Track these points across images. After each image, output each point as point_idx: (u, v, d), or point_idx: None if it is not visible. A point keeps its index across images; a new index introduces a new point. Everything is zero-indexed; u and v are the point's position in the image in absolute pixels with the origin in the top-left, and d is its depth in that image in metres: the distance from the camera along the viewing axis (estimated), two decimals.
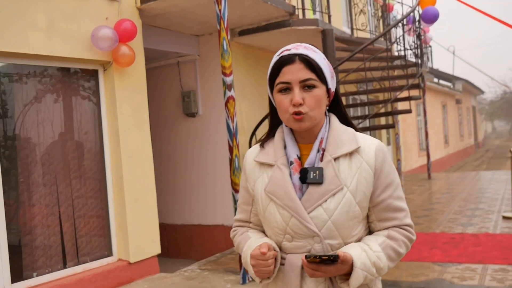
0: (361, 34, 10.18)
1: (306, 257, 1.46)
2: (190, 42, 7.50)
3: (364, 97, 9.43)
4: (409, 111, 6.93)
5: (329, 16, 7.82)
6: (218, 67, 7.47)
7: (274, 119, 1.72)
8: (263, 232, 1.76)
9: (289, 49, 1.59)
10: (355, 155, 1.59)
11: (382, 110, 8.85)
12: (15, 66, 4.97)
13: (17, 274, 4.80)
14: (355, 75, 8.74)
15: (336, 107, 1.71)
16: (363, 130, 7.50)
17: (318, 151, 1.59)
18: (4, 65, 4.89)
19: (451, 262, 5.50)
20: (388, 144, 16.34)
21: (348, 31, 11.08)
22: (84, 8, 5.29)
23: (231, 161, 5.18)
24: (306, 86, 1.56)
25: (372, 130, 7.12)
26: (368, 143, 1.62)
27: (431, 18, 7.08)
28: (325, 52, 7.18)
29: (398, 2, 7.90)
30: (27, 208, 5.02)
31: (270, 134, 1.73)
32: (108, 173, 5.67)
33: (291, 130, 1.66)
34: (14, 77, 5.00)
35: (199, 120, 7.69)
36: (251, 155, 1.75)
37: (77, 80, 5.52)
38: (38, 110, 5.16)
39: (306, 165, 1.59)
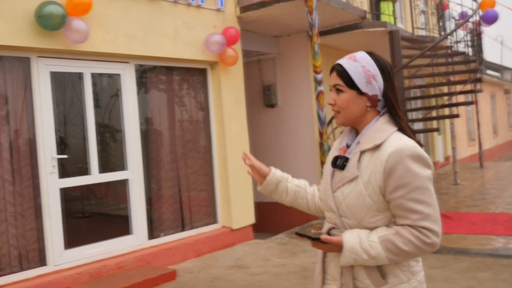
0: (417, 32, 11.01)
1: (296, 233, 1.78)
2: (271, 43, 8.58)
3: (423, 90, 10.25)
4: (471, 103, 7.80)
5: (395, 18, 8.74)
6: (295, 64, 8.54)
7: None
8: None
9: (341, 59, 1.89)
10: (377, 153, 1.75)
11: (432, 105, 9.70)
12: (151, 66, 6.18)
13: (150, 234, 6.03)
14: (410, 70, 9.61)
15: (390, 109, 1.84)
16: (428, 120, 8.39)
17: (358, 143, 1.85)
18: (143, 65, 6.09)
19: None
20: (439, 134, 16.99)
21: (402, 27, 11.91)
22: (199, 19, 6.43)
23: (321, 144, 6.25)
24: (337, 90, 1.85)
25: (438, 119, 8.00)
26: (390, 145, 1.73)
27: (491, 19, 7.87)
28: (392, 50, 8.14)
29: (458, 4, 8.71)
30: (156, 181, 6.23)
31: None
32: (215, 154, 6.84)
33: None
34: (149, 75, 6.21)
35: (278, 110, 8.79)
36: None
37: (191, 77, 6.70)
38: (163, 100, 6.36)
39: (346, 154, 1.86)
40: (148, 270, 5.49)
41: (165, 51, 6.02)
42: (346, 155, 1.83)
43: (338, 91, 1.82)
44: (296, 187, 2.16)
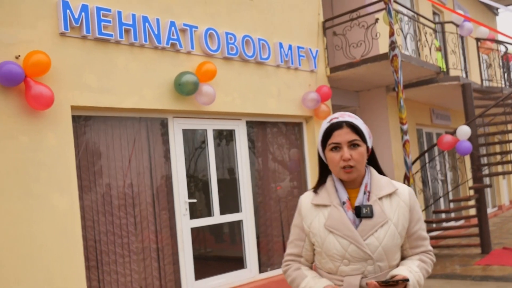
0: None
1: (383, 282, 1.84)
2: (352, 97, 9.46)
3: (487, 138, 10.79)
4: None
5: (466, 72, 9.47)
6: (375, 116, 9.34)
7: (323, 171, 2.13)
8: (311, 269, 2.14)
9: (337, 117, 2.00)
10: (394, 196, 2.00)
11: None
12: (258, 121, 7.15)
13: (260, 268, 6.81)
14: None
15: (373, 161, 2.11)
16: (496, 164, 8.93)
17: (365, 193, 2.00)
18: (253, 121, 7.07)
19: None
20: (504, 177, 17.19)
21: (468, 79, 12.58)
22: (296, 79, 7.40)
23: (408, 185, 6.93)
24: (352, 145, 1.96)
25: (509, 163, 8.57)
26: (402, 187, 2.05)
27: None
28: (464, 102, 8.83)
29: None
30: (263, 221, 7.06)
31: (321, 182, 2.12)
32: None
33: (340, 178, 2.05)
34: (256, 129, 7.17)
35: None
36: (307, 198, 2.14)
37: (289, 130, 7.62)
38: (268, 150, 7.28)
39: (356, 205, 1.98)
40: None
41: (270, 108, 6.97)
42: (365, 203, 1.98)
43: (355, 146, 1.96)
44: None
